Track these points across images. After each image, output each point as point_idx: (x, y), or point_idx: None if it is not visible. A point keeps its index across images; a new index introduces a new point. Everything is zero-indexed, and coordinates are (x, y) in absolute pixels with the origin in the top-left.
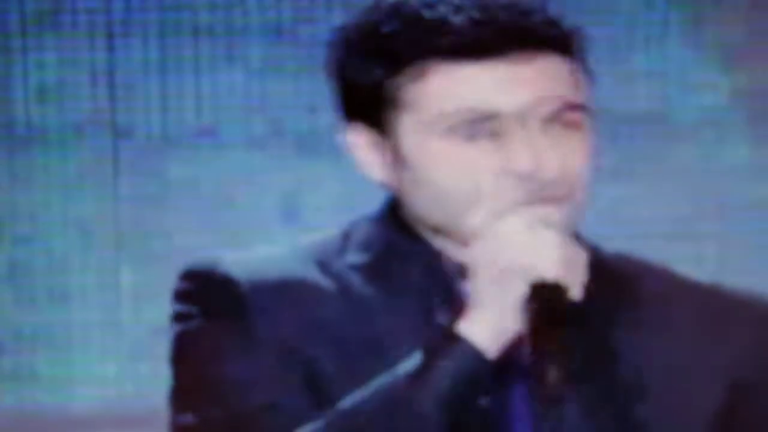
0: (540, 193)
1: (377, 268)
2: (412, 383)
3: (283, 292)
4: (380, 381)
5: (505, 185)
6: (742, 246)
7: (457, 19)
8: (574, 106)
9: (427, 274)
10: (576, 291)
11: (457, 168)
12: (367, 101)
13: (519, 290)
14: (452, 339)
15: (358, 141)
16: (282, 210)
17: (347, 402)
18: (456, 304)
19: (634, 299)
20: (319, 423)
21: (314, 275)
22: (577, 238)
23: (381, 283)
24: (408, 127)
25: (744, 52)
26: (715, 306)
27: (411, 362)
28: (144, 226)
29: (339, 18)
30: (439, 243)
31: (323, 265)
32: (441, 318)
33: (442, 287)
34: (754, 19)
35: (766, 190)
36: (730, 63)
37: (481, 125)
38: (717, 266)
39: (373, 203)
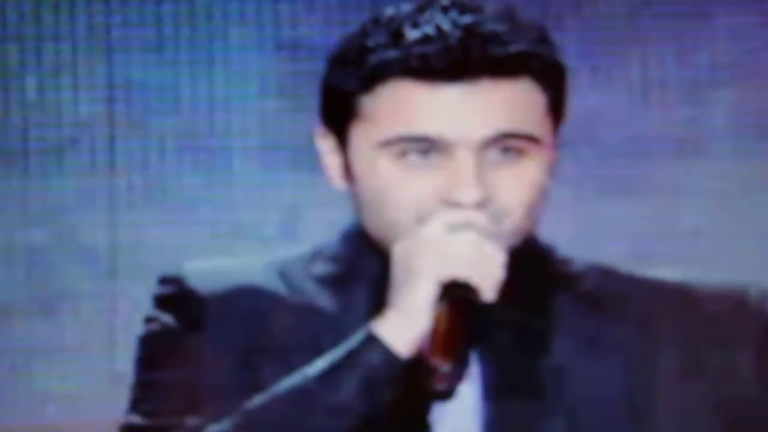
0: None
1: (338, 281)
2: (323, 379)
3: (239, 301)
4: (291, 378)
5: (439, 208)
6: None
7: (430, 44)
8: (525, 137)
9: (382, 287)
10: (489, 291)
11: (397, 191)
12: (336, 108)
13: (427, 290)
14: (365, 337)
15: (324, 145)
16: (280, 226)
17: (256, 400)
18: None
19: (596, 308)
20: (227, 422)
21: (273, 285)
22: (533, 245)
23: (339, 294)
24: (361, 139)
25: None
26: (687, 302)
27: (324, 360)
28: (140, 241)
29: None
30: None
31: (284, 276)
32: None
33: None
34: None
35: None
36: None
37: (425, 150)
38: None
39: None
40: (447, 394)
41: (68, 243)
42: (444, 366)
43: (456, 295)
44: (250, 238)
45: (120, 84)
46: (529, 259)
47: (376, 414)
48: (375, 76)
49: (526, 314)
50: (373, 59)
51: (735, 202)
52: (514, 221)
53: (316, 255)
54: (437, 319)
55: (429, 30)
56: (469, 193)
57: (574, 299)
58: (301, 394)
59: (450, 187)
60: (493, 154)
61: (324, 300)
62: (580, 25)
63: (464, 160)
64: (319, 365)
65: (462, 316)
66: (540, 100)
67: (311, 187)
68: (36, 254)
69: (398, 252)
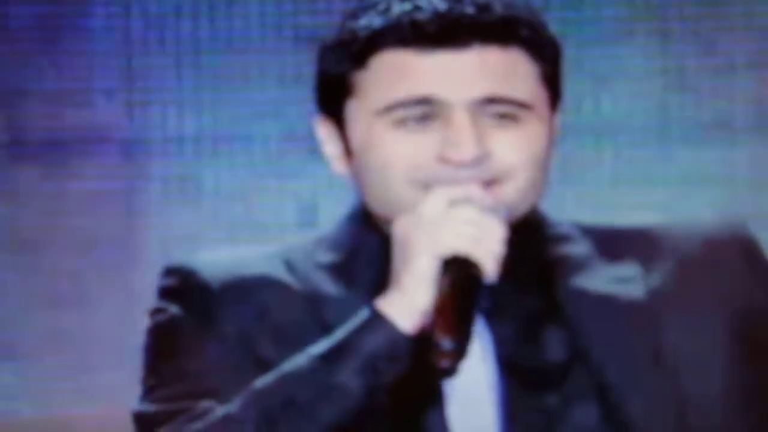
0: (467, 175)
1: (343, 267)
2: (327, 358)
3: (247, 291)
4: (296, 359)
5: (441, 172)
6: None
7: (420, 12)
8: (517, 102)
9: (386, 269)
10: (490, 266)
11: (396, 156)
12: (331, 91)
13: (426, 265)
14: (368, 315)
15: (323, 133)
16: (298, 217)
17: (261, 380)
18: None
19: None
20: (235, 402)
21: (279, 274)
22: (538, 217)
23: (344, 281)
24: (358, 114)
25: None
26: (677, 244)
27: (329, 340)
28: (157, 233)
29: None
30: None
31: (289, 264)
32: None
33: None
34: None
35: None
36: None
37: (421, 114)
38: None
39: None
40: (450, 371)
41: (90, 236)
42: (445, 342)
43: (456, 271)
44: (269, 230)
45: (140, 75)
46: (525, 228)
47: (382, 393)
48: (367, 50)
49: (531, 285)
50: (364, 34)
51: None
52: (512, 184)
53: (320, 242)
54: (438, 296)
55: (419, 1)
56: (466, 150)
57: (575, 262)
58: (305, 373)
59: (447, 146)
60: (488, 119)
61: (330, 287)
62: (597, 14)
63: (460, 119)
64: (323, 345)
65: (463, 292)
66: (531, 70)
67: (330, 177)
68: (57, 247)
69: (398, 229)
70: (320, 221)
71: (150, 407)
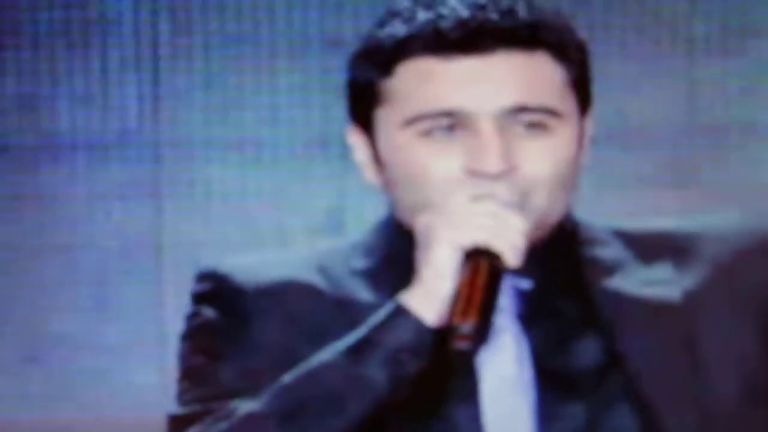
0: (495, 187)
1: (376, 273)
2: (353, 352)
3: (281, 296)
4: (322, 354)
5: (469, 184)
6: None
7: (444, 19)
8: (545, 110)
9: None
10: (511, 257)
11: (424, 168)
12: (361, 100)
13: (446, 256)
14: (392, 309)
15: (354, 141)
16: (326, 223)
17: (287, 376)
18: None
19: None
20: (261, 399)
21: (312, 279)
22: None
23: (377, 287)
24: (386, 123)
25: None
26: (708, 245)
27: (354, 334)
28: (185, 237)
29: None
30: None
31: (323, 270)
32: None
33: None
34: None
35: None
36: None
37: (447, 125)
38: None
39: None
40: (467, 354)
41: (114, 238)
42: (463, 325)
43: (477, 261)
44: (296, 234)
45: (166, 79)
46: (559, 232)
47: (408, 386)
48: (392, 58)
49: (566, 289)
50: (389, 42)
51: None
52: (541, 195)
53: (354, 248)
54: (458, 283)
55: (442, 9)
56: (493, 162)
57: (610, 265)
58: (330, 367)
59: (473, 158)
60: (518, 129)
61: (363, 293)
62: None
63: (486, 131)
64: (348, 339)
65: (483, 280)
66: (559, 75)
67: (358, 182)
68: (82, 250)
69: (420, 223)
70: (347, 226)
71: (183, 409)
